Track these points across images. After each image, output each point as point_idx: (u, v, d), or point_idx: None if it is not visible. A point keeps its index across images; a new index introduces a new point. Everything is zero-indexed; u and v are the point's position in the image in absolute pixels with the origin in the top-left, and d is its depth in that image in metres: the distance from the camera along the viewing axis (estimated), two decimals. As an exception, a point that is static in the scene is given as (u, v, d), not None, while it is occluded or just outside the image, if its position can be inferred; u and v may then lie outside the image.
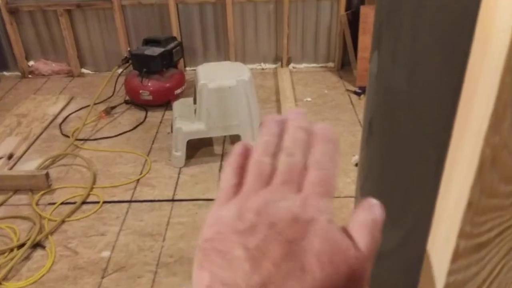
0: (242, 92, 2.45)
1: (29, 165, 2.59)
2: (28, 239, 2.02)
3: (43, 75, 3.85)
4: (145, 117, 3.11)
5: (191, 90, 2.91)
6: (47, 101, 3.34)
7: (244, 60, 3.78)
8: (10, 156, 2.65)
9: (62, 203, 2.30)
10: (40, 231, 2.10)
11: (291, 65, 3.84)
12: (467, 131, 0.30)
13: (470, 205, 0.31)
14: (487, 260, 0.34)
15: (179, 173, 2.51)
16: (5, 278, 1.87)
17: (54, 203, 2.29)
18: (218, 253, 0.27)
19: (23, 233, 2.11)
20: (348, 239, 0.28)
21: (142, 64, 3.10)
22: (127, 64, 3.20)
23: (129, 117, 3.14)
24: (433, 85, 1.26)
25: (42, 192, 2.37)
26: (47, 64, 3.85)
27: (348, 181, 2.36)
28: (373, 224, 0.29)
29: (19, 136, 2.86)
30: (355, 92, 3.35)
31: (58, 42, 3.76)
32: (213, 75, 2.50)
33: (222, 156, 2.64)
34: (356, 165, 2.23)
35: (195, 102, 2.58)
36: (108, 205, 2.29)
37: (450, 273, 0.34)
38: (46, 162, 2.61)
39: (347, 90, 3.42)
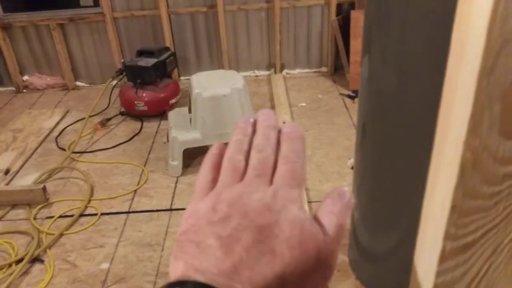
0: (237, 100, 2.46)
1: (26, 180, 2.59)
2: (27, 254, 2.01)
3: (38, 89, 3.85)
4: (141, 127, 3.12)
5: (186, 100, 2.92)
6: (42, 115, 3.34)
7: (237, 68, 3.79)
8: (6, 172, 2.65)
9: (60, 217, 2.29)
10: (39, 245, 2.09)
11: (285, 71, 3.86)
12: (448, 135, 0.31)
13: (454, 207, 0.31)
14: (474, 260, 0.34)
15: (176, 182, 2.51)
16: (5, 294, 1.87)
17: (52, 217, 2.29)
18: (192, 243, 0.29)
19: (22, 247, 2.11)
20: (317, 224, 0.30)
21: (136, 76, 3.11)
22: (121, 76, 3.20)
23: (124, 128, 3.14)
24: (423, 87, 1.27)
25: (40, 206, 2.37)
26: (41, 78, 3.85)
27: (344, 184, 2.37)
28: (340, 211, 0.31)
29: (15, 151, 2.86)
30: (348, 96, 3.37)
31: (52, 56, 3.77)
32: (207, 84, 2.51)
33: (219, 164, 2.64)
34: (352, 168, 2.23)
35: (190, 111, 2.58)
36: (106, 216, 2.29)
37: (439, 274, 0.35)
38: (43, 176, 2.60)
39: (341, 94, 3.44)
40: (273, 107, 3.24)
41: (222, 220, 0.29)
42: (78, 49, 3.78)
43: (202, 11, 3.61)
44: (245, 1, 3.59)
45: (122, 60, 3.51)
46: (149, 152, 2.83)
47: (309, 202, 2.23)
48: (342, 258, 1.90)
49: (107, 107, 3.32)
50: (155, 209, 2.31)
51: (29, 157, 2.83)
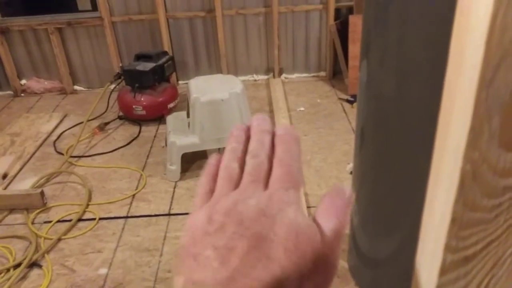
0: (235, 105, 2.45)
1: (24, 184, 2.58)
2: (25, 259, 2.00)
3: (36, 93, 3.85)
4: (139, 132, 3.11)
5: (184, 104, 2.92)
6: (40, 119, 3.34)
7: (236, 72, 3.79)
8: (4, 176, 2.64)
9: (58, 221, 2.29)
10: (36, 250, 2.08)
11: (283, 75, 3.86)
12: (446, 147, 0.31)
13: (454, 220, 0.31)
14: (475, 273, 0.34)
15: (174, 187, 2.51)
16: (2, 299, 1.86)
17: (50, 222, 2.28)
18: (190, 256, 0.29)
19: (19, 252, 2.10)
20: (315, 225, 0.30)
21: (134, 80, 3.11)
22: (120, 80, 3.20)
23: (123, 132, 3.14)
24: (422, 92, 1.27)
25: (38, 210, 2.36)
26: (39, 82, 3.85)
27: (343, 189, 2.36)
28: (340, 209, 0.31)
29: (13, 155, 2.85)
30: (347, 100, 3.37)
31: (50, 60, 3.77)
32: (206, 89, 2.51)
33: (217, 168, 2.64)
34: (351, 173, 2.23)
35: (188, 116, 2.58)
36: (104, 221, 2.28)
37: (439, 287, 0.34)
38: (41, 181, 2.60)
39: (340, 98, 3.44)
40: (271, 111, 3.24)
41: (218, 230, 0.29)
42: (76, 53, 3.78)
43: (200, 16, 3.62)
44: (243, 6, 3.60)
45: (120, 64, 3.51)
46: (147, 156, 2.82)
47: (308, 207, 2.22)
48: (342, 263, 1.89)
49: (105, 111, 3.32)
50: (153, 214, 2.31)
51: (27, 161, 2.82)
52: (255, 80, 3.87)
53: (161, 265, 1.99)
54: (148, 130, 3.14)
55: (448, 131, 0.30)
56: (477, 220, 0.32)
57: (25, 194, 2.38)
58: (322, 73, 3.86)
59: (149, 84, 3.13)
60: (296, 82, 3.80)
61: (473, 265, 0.34)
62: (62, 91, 3.85)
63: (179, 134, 2.53)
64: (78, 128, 3.12)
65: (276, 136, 0.36)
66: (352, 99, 3.32)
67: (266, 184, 0.32)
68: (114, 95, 3.31)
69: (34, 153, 2.92)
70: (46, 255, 2.07)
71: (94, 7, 3.57)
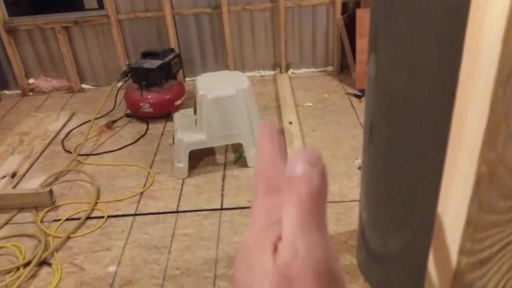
0: (242, 101, 2.44)
1: (33, 183, 2.60)
2: (34, 257, 2.01)
3: (44, 92, 3.86)
4: (147, 129, 3.11)
5: (192, 101, 2.91)
6: (48, 118, 3.35)
7: (242, 68, 3.78)
8: (13, 175, 2.65)
9: (66, 219, 2.30)
10: (46, 248, 2.09)
11: (290, 71, 3.84)
12: (461, 147, 0.30)
13: (469, 222, 0.30)
14: (490, 276, 0.33)
15: (182, 184, 2.51)
16: (13, 298, 1.87)
17: (59, 220, 2.29)
18: None
19: (29, 251, 2.11)
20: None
21: (141, 77, 3.11)
22: (127, 78, 3.20)
23: (130, 130, 3.14)
24: (431, 87, 1.25)
25: (47, 209, 2.37)
26: (47, 81, 3.86)
27: (352, 185, 2.35)
28: (306, 193, 0.27)
29: (21, 154, 2.87)
30: (355, 95, 3.34)
31: (57, 59, 3.78)
32: (212, 85, 2.50)
33: (225, 165, 2.63)
34: (360, 168, 2.22)
35: (195, 113, 2.58)
36: (113, 219, 2.29)
37: (453, 290, 0.33)
38: (50, 179, 2.61)
39: (347, 93, 3.41)
40: (279, 107, 3.23)
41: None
42: (84, 51, 3.78)
43: (207, 12, 3.61)
44: (250, 1, 3.58)
45: (127, 62, 3.51)
46: (155, 154, 2.82)
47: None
48: (351, 260, 1.88)
49: (112, 109, 3.32)
50: (161, 211, 2.31)
51: (36, 160, 2.84)
52: (262, 76, 3.85)
53: (169, 263, 1.99)
54: (156, 128, 3.14)
55: (463, 131, 0.29)
56: (492, 222, 0.31)
57: (34, 193, 2.39)
58: (330, 68, 3.84)
59: (156, 82, 3.13)
60: (303, 77, 3.78)
61: (489, 268, 0.33)
62: (70, 90, 3.86)
63: (186, 131, 2.53)
64: (86, 126, 3.13)
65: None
66: (360, 93, 3.29)
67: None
68: (121, 93, 3.31)
69: (42, 152, 2.93)
70: (55, 253, 2.08)
71: (101, 6, 3.57)
